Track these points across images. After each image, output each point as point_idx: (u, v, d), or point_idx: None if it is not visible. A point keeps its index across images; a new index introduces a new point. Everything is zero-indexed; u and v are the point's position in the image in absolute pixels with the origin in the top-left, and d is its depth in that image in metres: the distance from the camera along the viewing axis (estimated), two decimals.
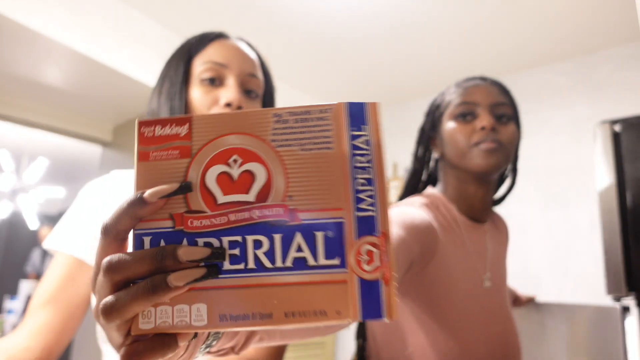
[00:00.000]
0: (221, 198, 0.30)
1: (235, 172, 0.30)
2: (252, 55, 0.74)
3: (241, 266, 0.29)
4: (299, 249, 0.29)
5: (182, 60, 0.71)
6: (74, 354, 2.92)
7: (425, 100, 3.08)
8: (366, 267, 0.29)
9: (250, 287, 0.29)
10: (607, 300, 1.39)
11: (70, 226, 0.72)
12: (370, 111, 0.32)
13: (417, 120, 3.09)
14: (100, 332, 0.68)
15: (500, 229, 0.91)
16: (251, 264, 0.29)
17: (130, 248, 0.30)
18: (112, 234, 0.29)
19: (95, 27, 2.09)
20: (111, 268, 0.28)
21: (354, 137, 0.31)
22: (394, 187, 3.07)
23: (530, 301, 1.44)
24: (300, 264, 0.29)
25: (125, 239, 0.30)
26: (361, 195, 0.30)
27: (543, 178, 2.47)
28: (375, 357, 0.79)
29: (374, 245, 0.29)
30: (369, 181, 0.30)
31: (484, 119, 0.77)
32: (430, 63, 2.64)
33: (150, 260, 0.28)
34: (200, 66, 0.69)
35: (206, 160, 0.31)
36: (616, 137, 1.47)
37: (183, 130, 0.31)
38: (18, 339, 0.62)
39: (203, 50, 0.71)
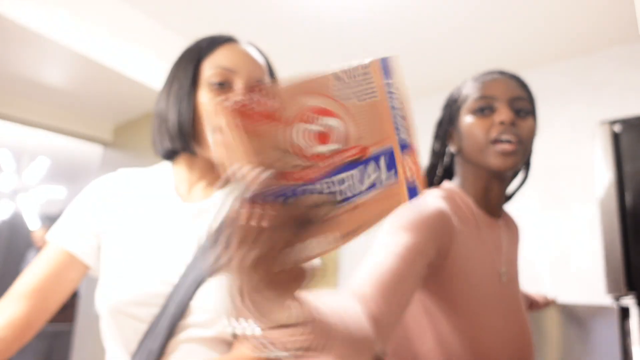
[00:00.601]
0: (319, 149, 0.36)
1: (318, 127, 0.37)
2: (261, 60, 0.75)
3: (342, 197, 0.37)
4: (371, 175, 0.39)
5: (191, 62, 0.71)
6: (74, 354, 2.92)
7: (425, 100, 3.08)
8: (409, 176, 0.42)
9: (351, 210, 0.37)
10: (606, 300, 1.39)
11: (68, 220, 0.73)
12: (393, 64, 0.43)
13: (417, 120, 3.08)
14: (105, 331, 0.69)
15: (512, 228, 0.90)
16: (349, 194, 0.37)
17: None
18: (264, 198, 0.33)
19: (96, 27, 2.09)
20: (275, 220, 0.31)
21: (388, 86, 0.42)
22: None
23: (550, 304, 1.41)
24: (373, 185, 0.39)
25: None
26: (399, 126, 0.42)
27: (542, 178, 2.47)
28: (392, 353, 0.77)
29: (411, 156, 0.43)
30: (402, 116, 0.43)
31: (503, 113, 0.75)
32: (429, 63, 2.64)
33: (295, 210, 0.32)
34: (209, 70, 0.70)
35: (295, 121, 0.36)
36: (616, 137, 1.47)
37: (274, 101, 0.35)
38: None
39: (212, 53, 0.71)
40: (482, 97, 0.78)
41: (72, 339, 3.03)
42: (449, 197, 0.78)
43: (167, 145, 0.70)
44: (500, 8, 2.10)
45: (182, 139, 0.68)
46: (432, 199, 0.74)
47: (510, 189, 0.91)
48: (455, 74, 2.74)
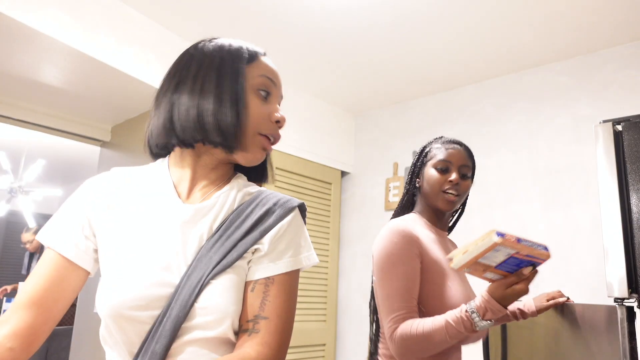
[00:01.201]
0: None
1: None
2: None
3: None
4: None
5: (241, 64, 0.72)
6: (72, 354, 2.91)
7: (425, 100, 3.07)
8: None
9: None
10: (608, 301, 1.38)
11: (62, 223, 0.71)
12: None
13: (417, 120, 3.08)
14: (105, 334, 0.68)
15: (453, 243, 1.37)
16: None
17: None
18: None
19: (94, 26, 2.08)
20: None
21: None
22: (394, 187, 3.05)
23: (552, 307, 1.42)
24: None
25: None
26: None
27: (544, 178, 2.46)
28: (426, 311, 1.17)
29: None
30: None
31: (453, 176, 1.20)
32: (430, 63, 2.63)
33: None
34: (256, 77, 0.73)
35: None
36: (618, 137, 1.46)
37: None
38: (2, 339, 0.64)
39: (256, 61, 0.74)
40: (444, 160, 1.21)
41: (70, 339, 3.01)
42: (414, 221, 1.23)
43: (214, 140, 0.70)
44: (502, 8, 2.09)
45: (234, 138, 0.70)
46: (403, 227, 1.16)
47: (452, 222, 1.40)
48: (456, 74, 2.73)
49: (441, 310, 1.08)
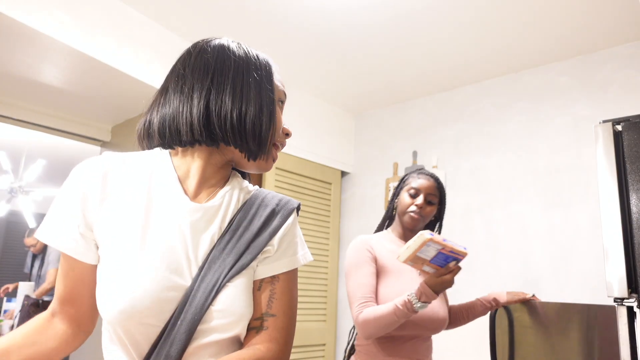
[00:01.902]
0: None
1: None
2: None
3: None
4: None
5: (272, 77, 0.76)
6: (71, 355, 2.91)
7: (425, 100, 3.07)
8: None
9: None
10: (608, 301, 1.38)
11: (60, 219, 0.67)
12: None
13: (417, 120, 3.08)
14: (111, 336, 0.66)
15: None
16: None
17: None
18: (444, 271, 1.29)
19: (94, 26, 2.08)
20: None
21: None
22: (394, 187, 3.05)
23: (519, 302, 1.56)
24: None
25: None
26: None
27: (544, 178, 2.46)
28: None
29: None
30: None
31: (419, 200, 1.49)
32: (430, 63, 2.63)
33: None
34: (278, 91, 0.77)
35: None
36: (617, 137, 1.45)
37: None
38: (64, 327, 0.71)
39: (274, 74, 0.78)
40: (414, 188, 1.51)
41: None
42: (382, 235, 1.56)
43: (250, 145, 0.71)
44: (502, 8, 2.09)
45: (265, 145, 0.73)
46: (360, 240, 1.49)
47: None
48: (456, 74, 2.73)
49: (378, 300, 1.40)
